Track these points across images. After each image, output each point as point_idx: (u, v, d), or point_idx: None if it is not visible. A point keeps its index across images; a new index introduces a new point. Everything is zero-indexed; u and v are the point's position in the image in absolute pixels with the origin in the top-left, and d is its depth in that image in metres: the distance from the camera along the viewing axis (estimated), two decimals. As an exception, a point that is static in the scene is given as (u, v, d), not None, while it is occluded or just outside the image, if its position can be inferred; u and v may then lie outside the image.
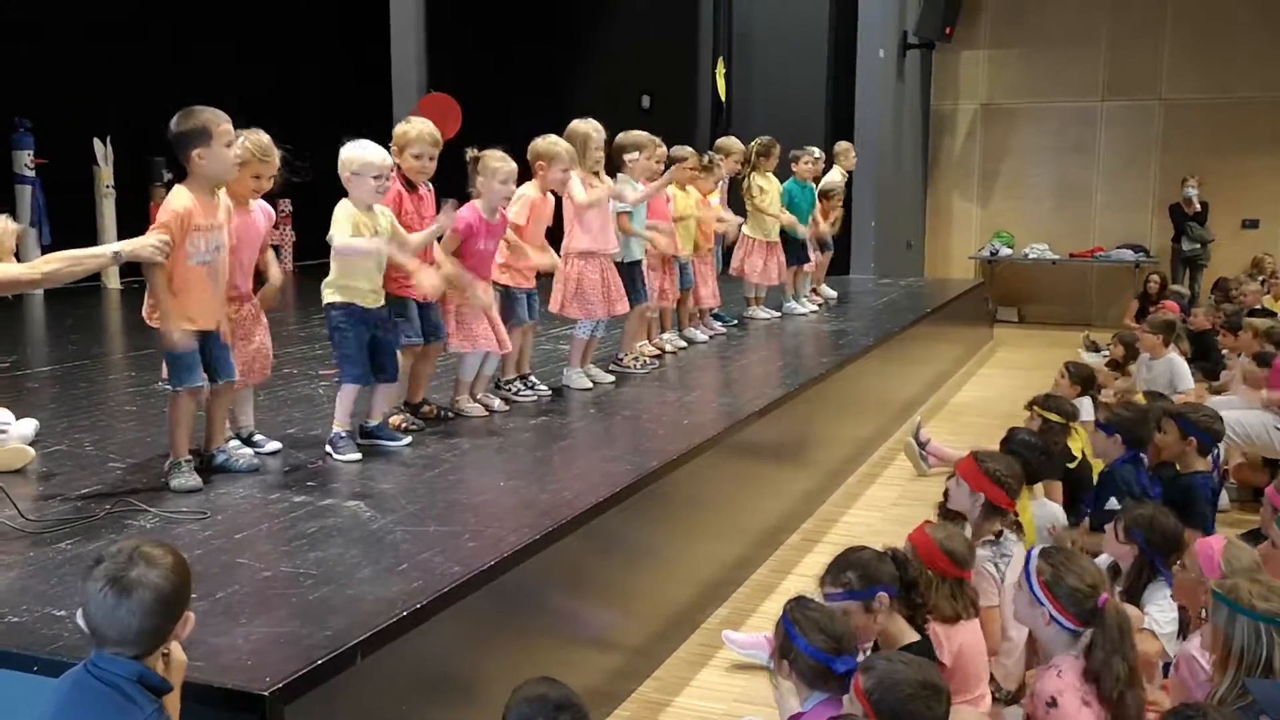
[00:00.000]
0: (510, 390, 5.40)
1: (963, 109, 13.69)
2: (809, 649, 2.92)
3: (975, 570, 3.69)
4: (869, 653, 3.09)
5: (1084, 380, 6.63)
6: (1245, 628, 2.89)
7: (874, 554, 3.25)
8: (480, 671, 3.17)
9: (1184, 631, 3.59)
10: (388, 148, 4.49)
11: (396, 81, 11.70)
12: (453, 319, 4.95)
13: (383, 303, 4.47)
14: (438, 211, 4.68)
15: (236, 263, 4.13)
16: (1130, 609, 3.66)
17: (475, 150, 4.97)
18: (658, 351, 6.64)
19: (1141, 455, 4.96)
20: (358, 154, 4.31)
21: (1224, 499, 5.57)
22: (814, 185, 8.79)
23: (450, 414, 5.02)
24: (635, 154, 6.18)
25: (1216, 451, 5.19)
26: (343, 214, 4.30)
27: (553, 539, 3.53)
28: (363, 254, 4.32)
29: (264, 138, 4.14)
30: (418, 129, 4.69)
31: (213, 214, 3.87)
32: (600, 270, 5.70)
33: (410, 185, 4.73)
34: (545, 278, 5.58)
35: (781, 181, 8.37)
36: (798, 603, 3.06)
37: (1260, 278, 10.58)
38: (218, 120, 3.79)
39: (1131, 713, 2.91)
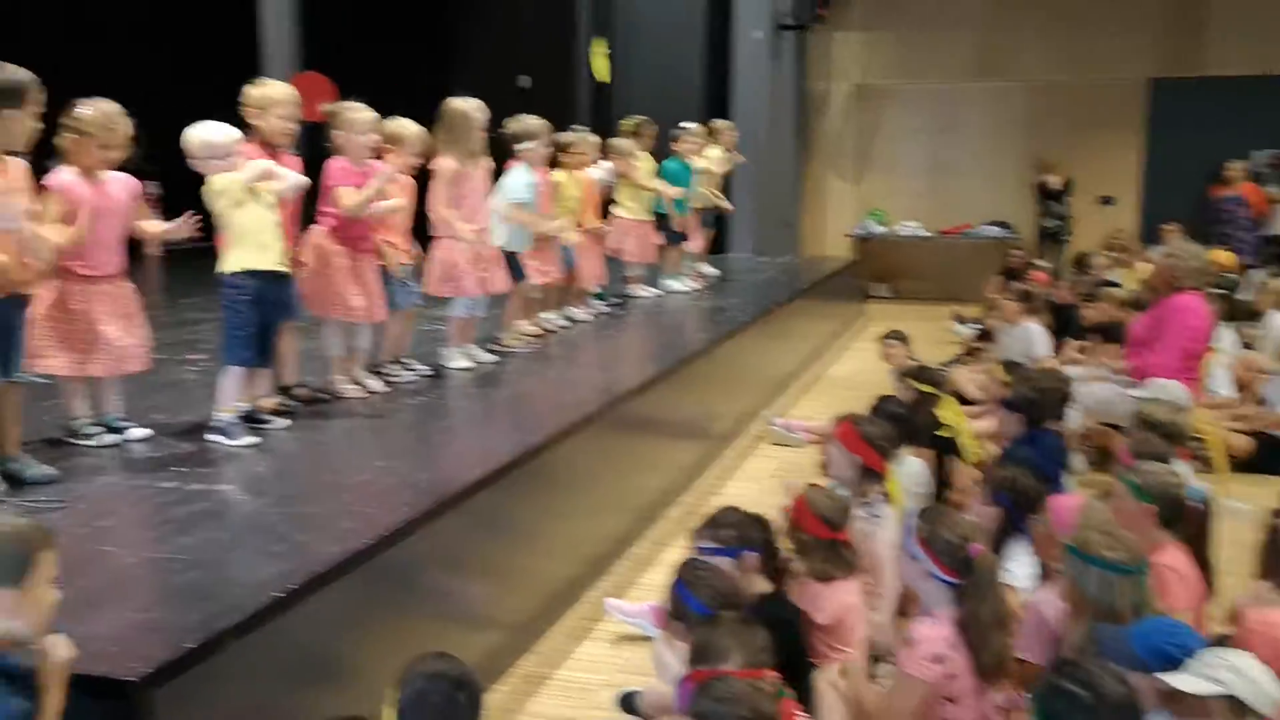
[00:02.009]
0: (387, 373, 5.33)
1: (836, 89, 13.95)
2: (701, 608, 2.99)
3: (850, 531, 3.81)
4: None
5: (902, 340, 7.10)
6: (1095, 578, 3.06)
7: (748, 516, 3.34)
8: (358, 654, 3.14)
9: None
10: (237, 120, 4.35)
11: (267, 62, 11.37)
12: (325, 289, 4.85)
13: (284, 271, 4.33)
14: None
15: (93, 238, 3.97)
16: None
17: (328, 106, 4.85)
18: (539, 331, 6.64)
19: (1043, 431, 5.08)
20: (196, 135, 4.13)
21: (1078, 462, 5.82)
22: (695, 163, 8.85)
23: (326, 396, 4.94)
24: (529, 143, 6.15)
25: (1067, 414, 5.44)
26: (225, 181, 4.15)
27: (432, 517, 3.51)
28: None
29: (109, 107, 3.99)
30: (281, 90, 4.54)
31: None
32: (472, 248, 5.64)
33: (271, 150, 4.54)
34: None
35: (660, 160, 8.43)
36: (688, 565, 3.13)
37: (1112, 251, 11.05)
38: (32, 87, 3.57)
39: (993, 659, 3.05)
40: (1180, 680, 2.65)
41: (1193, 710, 2.68)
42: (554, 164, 6.82)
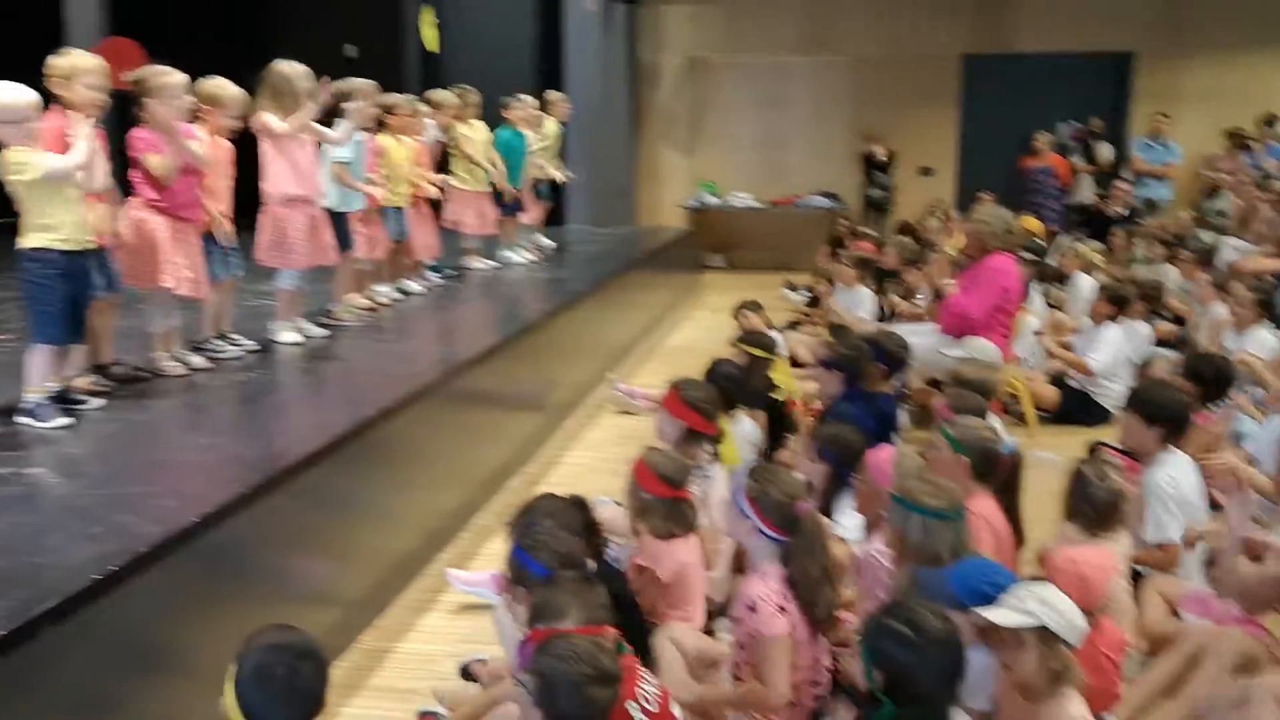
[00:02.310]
0: (210, 349, 5.13)
1: (668, 62, 14.06)
2: (543, 571, 2.99)
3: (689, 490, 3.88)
4: None
5: (755, 309, 7.34)
6: (918, 524, 3.20)
7: (560, 502, 3.31)
8: (189, 637, 3.04)
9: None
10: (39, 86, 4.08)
11: (71, 25, 10.71)
12: (145, 262, 4.63)
13: (90, 246, 4.11)
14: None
15: None
16: (822, 520, 3.96)
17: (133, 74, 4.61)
18: (371, 304, 6.50)
19: (861, 389, 5.26)
20: None
21: (903, 418, 6.06)
22: (529, 134, 8.78)
23: (146, 374, 4.72)
24: (355, 101, 5.98)
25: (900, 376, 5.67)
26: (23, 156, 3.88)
27: (262, 494, 3.42)
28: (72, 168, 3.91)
29: None
30: (89, 59, 4.28)
31: None
32: (307, 217, 5.47)
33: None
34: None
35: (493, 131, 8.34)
36: (525, 529, 3.13)
37: (938, 218, 11.52)
38: None
39: (824, 611, 3.17)
40: (994, 614, 2.81)
41: (1007, 643, 2.85)
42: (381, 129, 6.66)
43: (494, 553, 4.64)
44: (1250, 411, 5.39)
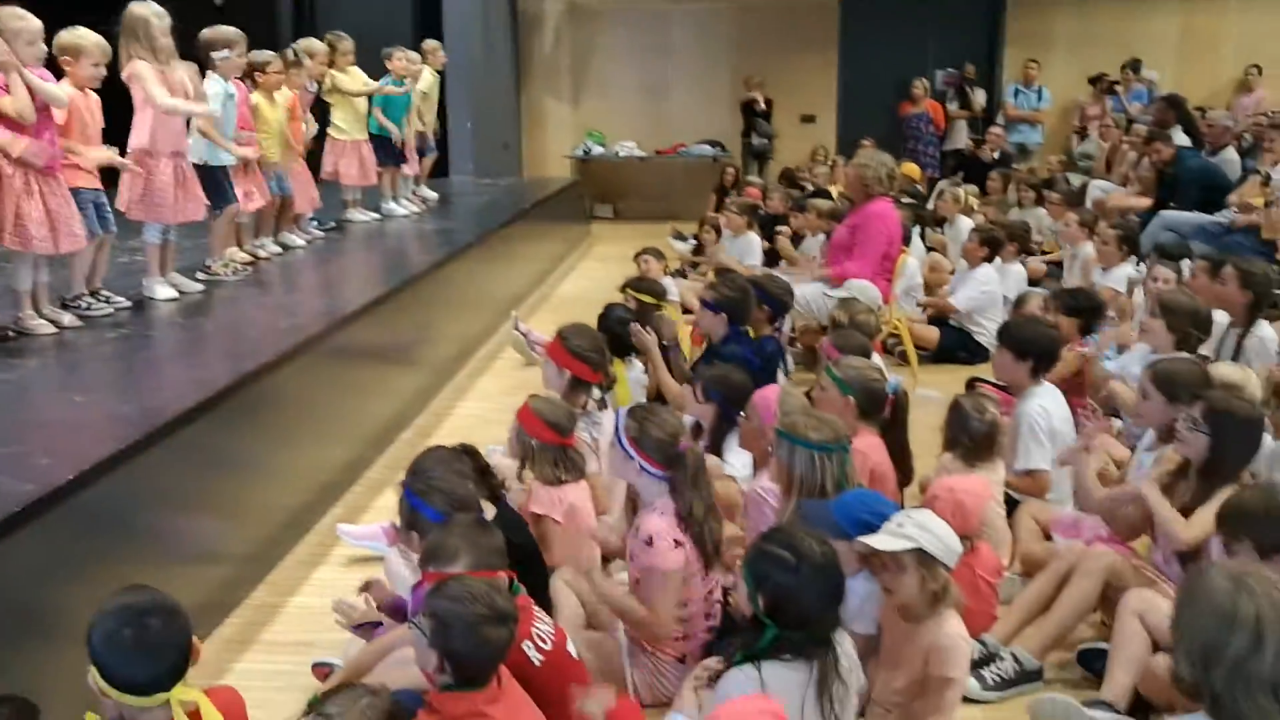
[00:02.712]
0: (81, 306, 4.93)
1: (550, 10, 13.89)
2: (436, 515, 2.99)
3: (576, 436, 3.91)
4: None
5: (657, 256, 7.55)
6: (803, 457, 3.29)
7: (450, 450, 3.31)
8: (65, 599, 2.94)
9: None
10: None
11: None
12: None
13: None
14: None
15: None
16: (712, 459, 4.04)
17: None
18: (250, 258, 6.32)
19: (745, 330, 5.32)
20: None
21: (790, 362, 6.18)
22: (409, 85, 8.59)
23: (12, 333, 4.53)
24: (225, 52, 5.77)
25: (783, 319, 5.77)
26: None
27: (141, 450, 3.32)
28: None
29: None
30: None
31: None
32: (173, 170, 5.28)
33: None
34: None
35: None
36: (416, 475, 3.11)
37: (826, 163, 11.68)
38: None
39: (710, 545, 3.23)
40: (875, 540, 2.91)
41: (888, 567, 2.95)
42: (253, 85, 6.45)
43: (385, 507, 4.61)
44: (1124, 337, 5.62)
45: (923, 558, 2.88)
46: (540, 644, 2.82)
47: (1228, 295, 5.18)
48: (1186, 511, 3.38)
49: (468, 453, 3.32)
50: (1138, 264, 6.89)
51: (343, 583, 4.02)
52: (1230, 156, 9.30)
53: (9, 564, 2.72)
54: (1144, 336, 5.07)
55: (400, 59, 8.36)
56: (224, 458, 3.93)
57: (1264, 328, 5.10)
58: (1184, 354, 4.52)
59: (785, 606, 2.54)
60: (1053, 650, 3.46)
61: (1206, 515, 3.26)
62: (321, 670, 3.29)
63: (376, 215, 8.28)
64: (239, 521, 4.01)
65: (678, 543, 3.17)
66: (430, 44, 9.24)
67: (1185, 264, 6.15)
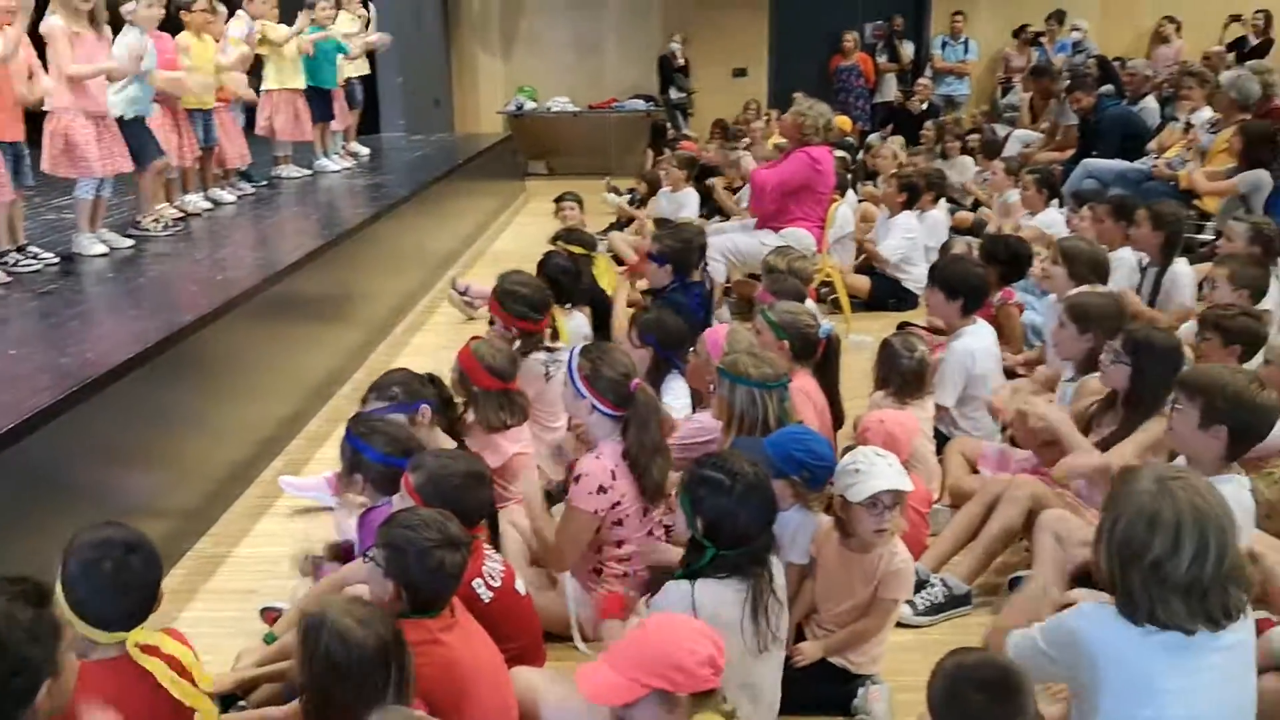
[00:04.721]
0: (9, 263, 4.85)
1: (479, -37, 13.73)
2: (379, 456, 3.03)
3: (526, 376, 3.96)
4: None
5: (578, 202, 7.82)
6: (743, 394, 3.37)
7: (415, 374, 3.39)
8: (4, 554, 2.94)
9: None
10: None
11: None
12: None
13: None
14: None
15: None
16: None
17: None
18: (181, 213, 6.24)
19: (688, 280, 5.37)
20: None
21: (725, 312, 6.27)
22: (338, 35, 8.46)
23: (-63, 291, 4.45)
24: (131, 4, 5.63)
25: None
26: None
27: (76, 402, 3.31)
28: None
29: None
30: None
31: None
32: (94, 124, 5.17)
33: None
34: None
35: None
36: (358, 419, 3.15)
37: (764, 117, 11.71)
38: None
39: (656, 480, 3.31)
40: (851, 493, 2.97)
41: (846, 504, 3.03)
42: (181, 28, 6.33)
43: (326, 459, 4.63)
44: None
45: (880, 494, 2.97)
46: (490, 581, 2.88)
47: (1142, 237, 5.37)
48: (1114, 441, 3.53)
49: (428, 379, 3.37)
50: (1060, 207, 7.07)
51: (288, 532, 4.05)
52: (1150, 105, 9.54)
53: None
54: (1046, 283, 5.21)
55: (324, 7, 8.23)
56: (161, 412, 3.91)
57: (1180, 264, 5.29)
58: (1100, 287, 4.67)
59: (722, 526, 2.63)
60: (979, 575, 3.60)
61: (1128, 448, 3.41)
62: (271, 615, 3.33)
63: (308, 171, 8.18)
64: (178, 475, 4.01)
65: (603, 489, 3.22)
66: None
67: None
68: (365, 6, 9.06)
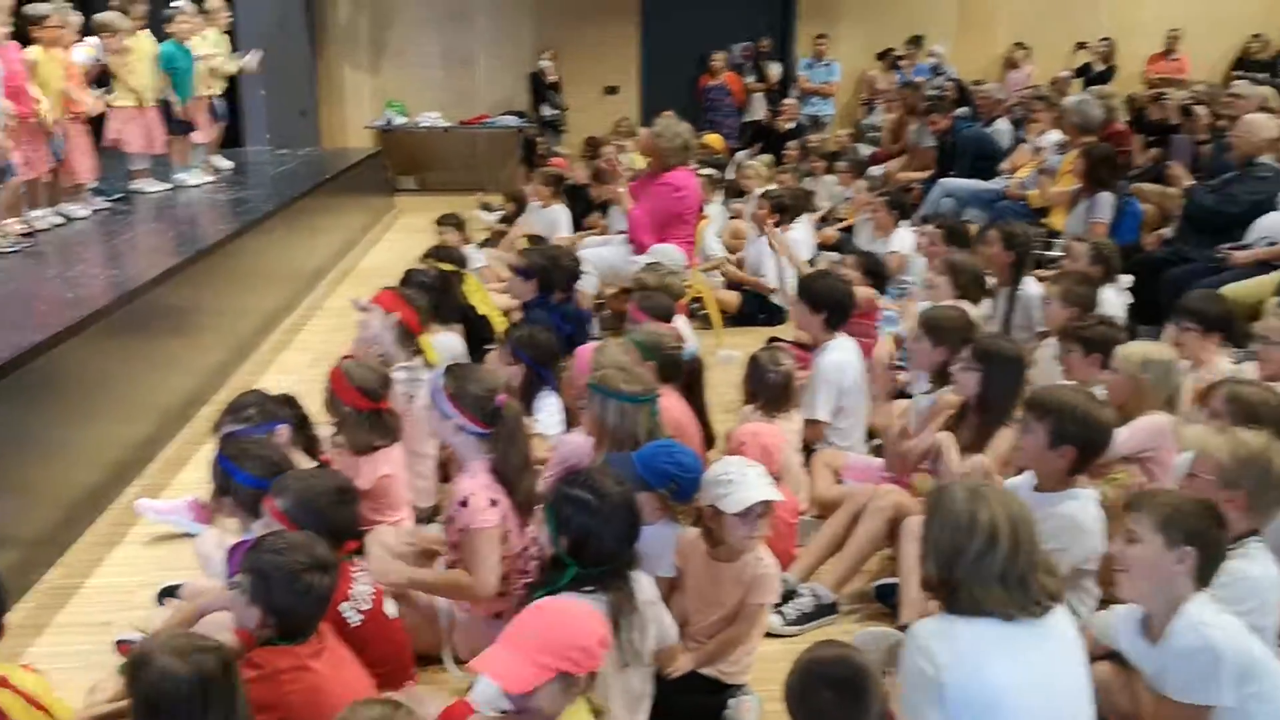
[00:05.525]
0: None
1: (346, -25, 13.51)
2: (249, 479, 2.96)
3: (391, 398, 3.90)
4: None
5: (458, 227, 7.67)
6: (614, 410, 3.39)
7: (268, 395, 3.32)
8: None
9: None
10: None
11: None
12: None
13: None
14: None
15: None
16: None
17: None
18: (28, 229, 5.96)
19: (553, 296, 5.35)
20: None
21: (595, 327, 6.28)
22: (194, 47, 8.22)
23: None
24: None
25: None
26: None
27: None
28: None
29: None
30: None
31: None
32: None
33: None
34: None
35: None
36: (229, 439, 3.07)
37: (630, 136, 11.79)
38: None
39: (525, 498, 3.30)
40: (725, 503, 3.02)
41: (716, 515, 3.07)
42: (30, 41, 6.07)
43: (185, 482, 4.49)
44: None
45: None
46: (359, 605, 2.83)
47: (994, 257, 5.60)
48: (971, 451, 3.67)
49: (285, 400, 3.30)
50: (911, 227, 7.33)
51: (144, 560, 3.91)
52: (1002, 127, 9.95)
53: None
54: (930, 294, 5.40)
55: (182, 20, 8.00)
56: (7, 436, 3.73)
57: (1030, 284, 5.53)
58: (952, 303, 4.86)
59: (587, 545, 2.65)
60: (847, 584, 3.69)
61: (986, 459, 3.56)
62: (126, 647, 3.20)
63: (167, 186, 7.92)
64: (26, 502, 3.82)
65: (494, 501, 3.22)
66: (213, 3, 8.84)
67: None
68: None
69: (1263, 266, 5.59)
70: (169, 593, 3.57)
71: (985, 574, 2.33)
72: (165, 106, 7.75)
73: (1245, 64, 13.20)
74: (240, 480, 2.94)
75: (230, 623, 2.57)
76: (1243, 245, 5.87)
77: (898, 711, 2.31)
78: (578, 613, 2.25)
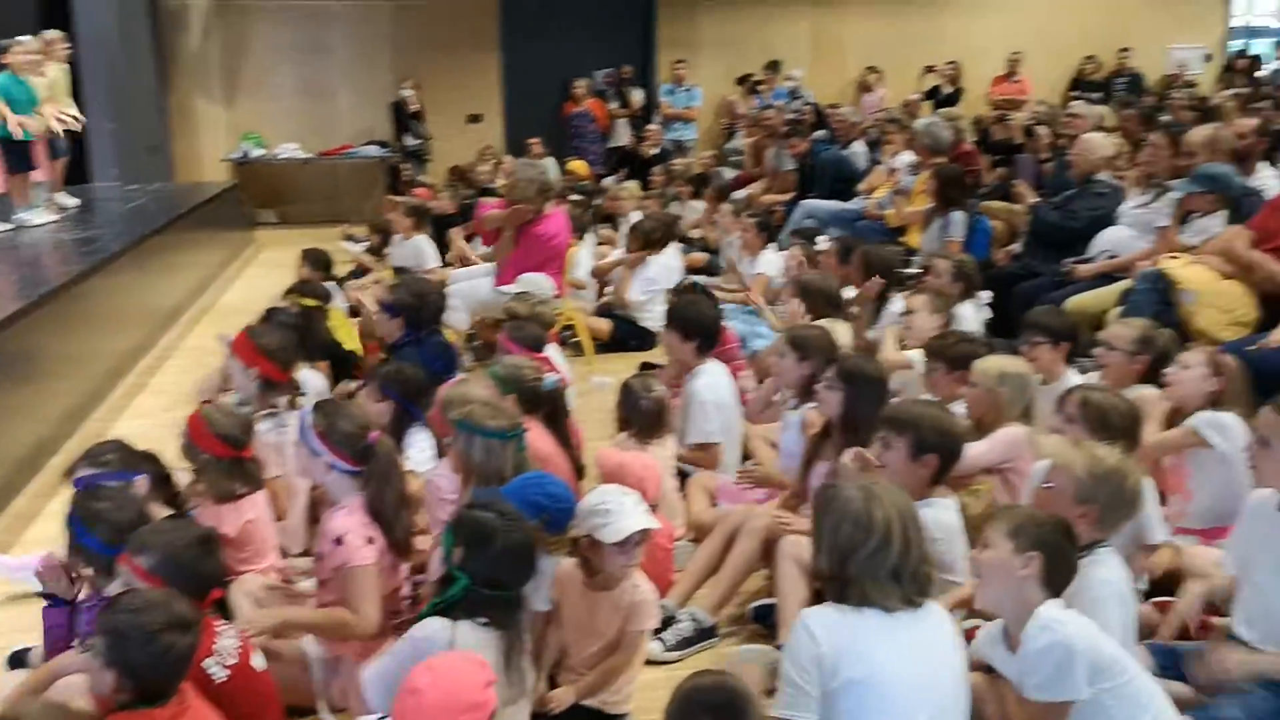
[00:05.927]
0: None
1: (195, 4, 13.13)
2: (97, 544, 2.82)
3: (257, 444, 3.78)
4: None
5: (323, 265, 7.16)
6: (480, 446, 3.36)
7: (129, 446, 3.20)
8: None
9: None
10: None
11: None
12: None
13: None
14: None
15: None
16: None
17: None
18: None
19: (420, 334, 5.23)
20: None
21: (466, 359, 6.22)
22: (34, 82, 7.86)
23: None
24: None
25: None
26: None
27: None
28: None
29: None
30: None
31: None
32: None
33: None
34: None
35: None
36: (83, 489, 2.93)
37: (492, 162, 11.74)
38: None
39: (401, 535, 3.24)
40: (603, 533, 3.01)
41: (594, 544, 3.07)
42: None
43: (35, 537, 4.26)
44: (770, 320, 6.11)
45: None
46: (224, 660, 2.72)
47: (858, 278, 5.74)
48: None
49: (144, 455, 3.17)
50: (778, 249, 7.49)
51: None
52: (858, 149, 10.25)
53: None
54: (786, 318, 5.52)
55: (19, 52, 7.65)
56: None
57: (895, 303, 5.68)
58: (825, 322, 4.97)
59: (479, 559, 2.66)
60: (724, 607, 3.72)
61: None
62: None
63: (9, 226, 7.55)
64: None
65: (370, 539, 3.15)
66: (52, 34, 8.48)
67: (821, 240, 6.81)
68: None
69: (1105, 279, 5.86)
70: (19, 656, 3.39)
71: (878, 570, 2.48)
72: (3, 144, 7.41)
73: (1080, 84, 13.96)
74: (88, 545, 2.80)
75: (85, 687, 2.45)
76: (1086, 259, 6.15)
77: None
78: (460, 668, 2.27)
